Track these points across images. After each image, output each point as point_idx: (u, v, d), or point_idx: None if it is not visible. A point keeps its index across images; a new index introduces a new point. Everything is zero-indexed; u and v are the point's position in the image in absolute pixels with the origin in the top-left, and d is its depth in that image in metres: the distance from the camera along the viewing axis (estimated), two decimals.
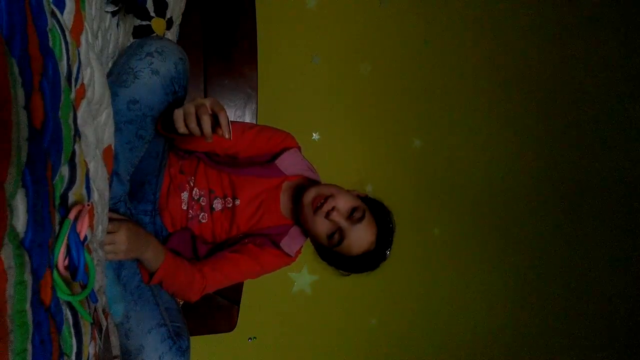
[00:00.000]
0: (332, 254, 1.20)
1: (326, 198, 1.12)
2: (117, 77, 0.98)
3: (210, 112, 0.89)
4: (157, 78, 0.97)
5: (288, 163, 1.22)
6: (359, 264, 1.19)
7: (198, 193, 1.18)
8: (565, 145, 2.30)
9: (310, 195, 1.13)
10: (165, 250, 1.07)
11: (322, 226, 1.12)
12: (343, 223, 1.11)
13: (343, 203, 1.12)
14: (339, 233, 1.12)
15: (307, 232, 1.21)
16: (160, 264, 1.05)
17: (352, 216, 1.12)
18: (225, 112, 0.90)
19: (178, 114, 0.90)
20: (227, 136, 0.88)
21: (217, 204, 1.19)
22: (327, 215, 1.10)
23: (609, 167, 2.36)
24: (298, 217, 1.20)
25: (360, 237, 1.13)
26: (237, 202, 1.19)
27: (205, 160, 1.19)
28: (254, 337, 1.98)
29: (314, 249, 1.26)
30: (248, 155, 1.23)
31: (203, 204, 1.18)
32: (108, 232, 0.92)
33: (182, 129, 0.90)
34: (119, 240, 0.94)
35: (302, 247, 1.27)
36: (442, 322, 2.23)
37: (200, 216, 1.18)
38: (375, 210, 1.19)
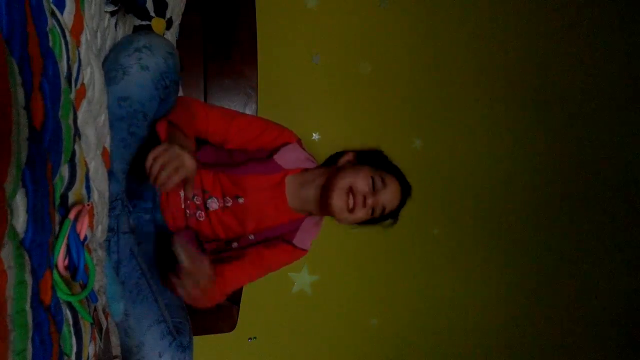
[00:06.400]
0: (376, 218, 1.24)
1: (349, 191, 1.14)
2: (106, 74, 0.96)
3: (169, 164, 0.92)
4: (147, 73, 0.96)
5: (287, 158, 1.23)
6: (398, 209, 1.25)
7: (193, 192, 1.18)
8: (567, 145, 2.30)
9: (338, 204, 1.15)
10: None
11: (364, 216, 1.17)
12: (376, 199, 1.16)
13: (364, 184, 1.16)
14: (379, 208, 1.17)
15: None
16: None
17: (376, 186, 1.17)
18: (172, 183, 0.93)
19: (151, 155, 0.93)
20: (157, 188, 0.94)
21: (212, 204, 1.18)
22: (364, 206, 1.15)
23: (610, 167, 2.35)
24: (323, 211, 1.22)
25: (393, 195, 1.19)
26: (241, 200, 1.19)
27: (202, 163, 1.19)
28: (254, 337, 1.98)
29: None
30: (238, 144, 1.23)
31: (197, 202, 1.18)
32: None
33: (148, 163, 0.93)
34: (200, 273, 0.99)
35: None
36: (442, 322, 2.23)
37: (197, 214, 1.19)
38: (378, 162, 1.24)
